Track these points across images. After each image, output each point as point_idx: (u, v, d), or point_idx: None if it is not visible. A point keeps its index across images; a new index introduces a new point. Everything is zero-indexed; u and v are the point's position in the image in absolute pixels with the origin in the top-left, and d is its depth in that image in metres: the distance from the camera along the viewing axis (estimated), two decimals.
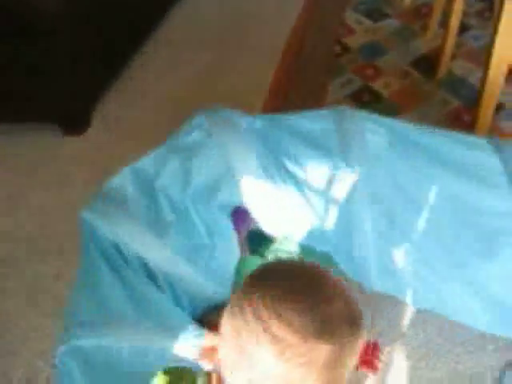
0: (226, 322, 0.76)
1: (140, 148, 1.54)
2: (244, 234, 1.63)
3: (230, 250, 1.54)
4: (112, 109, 2.52)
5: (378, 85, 2.51)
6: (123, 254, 1.42)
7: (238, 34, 2.87)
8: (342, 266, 1.61)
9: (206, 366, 0.80)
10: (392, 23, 2.86)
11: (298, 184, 1.52)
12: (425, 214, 1.51)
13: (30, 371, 1.68)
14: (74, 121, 2.38)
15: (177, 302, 1.45)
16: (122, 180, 1.50)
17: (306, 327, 0.70)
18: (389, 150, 1.52)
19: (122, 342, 1.28)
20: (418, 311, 1.75)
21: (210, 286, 1.48)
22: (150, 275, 1.44)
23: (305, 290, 0.73)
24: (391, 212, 1.52)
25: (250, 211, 1.58)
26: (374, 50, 2.69)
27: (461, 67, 2.56)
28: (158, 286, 1.43)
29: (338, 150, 1.51)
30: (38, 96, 2.28)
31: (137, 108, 2.53)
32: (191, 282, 1.47)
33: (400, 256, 1.54)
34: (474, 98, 2.26)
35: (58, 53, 2.17)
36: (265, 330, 0.69)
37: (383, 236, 1.54)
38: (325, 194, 1.53)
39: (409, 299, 1.64)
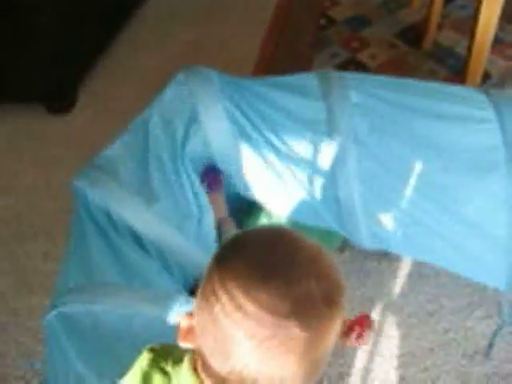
0: (200, 295, 0.72)
1: (128, 125, 1.54)
2: (221, 194, 1.65)
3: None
4: (99, 86, 2.50)
5: (364, 56, 2.50)
6: (114, 222, 1.43)
7: (225, 8, 2.85)
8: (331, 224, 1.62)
9: (186, 345, 0.76)
10: None
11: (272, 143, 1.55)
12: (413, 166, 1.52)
13: (20, 348, 1.69)
14: (60, 99, 2.36)
15: (167, 272, 1.46)
16: (114, 150, 1.51)
17: (276, 307, 0.65)
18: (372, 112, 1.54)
19: (108, 311, 1.29)
20: (409, 277, 1.77)
21: (200, 254, 1.48)
22: (140, 244, 1.45)
23: (277, 266, 0.69)
24: (380, 164, 1.54)
25: (220, 171, 1.60)
26: (359, 22, 2.68)
27: (447, 37, 2.56)
28: (148, 255, 1.45)
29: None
30: (21, 74, 2.25)
31: (124, 84, 2.51)
32: (181, 251, 1.48)
33: (390, 208, 1.56)
34: (460, 68, 2.27)
35: (40, 30, 2.14)
36: (236, 308, 0.66)
37: (371, 187, 1.55)
38: (301, 157, 1.55)
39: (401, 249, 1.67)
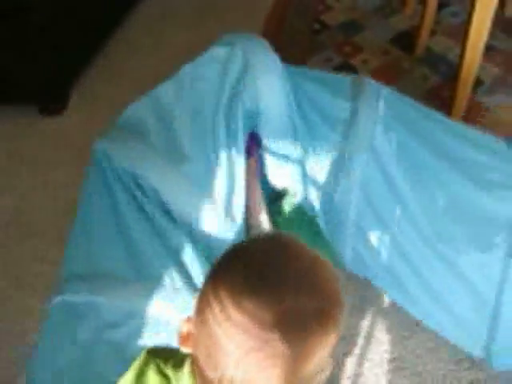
0: (197, 302, 0.72)
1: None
2: (256, 159, 1.56)
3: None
4: (92, 87, 2.48)
5: (357, 62, 2.51)
6: (140, 186, 1.37)
7: (219, 10, 2.84)
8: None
9: (187, 350, 0.76)
10: (371, 0, 2.86)
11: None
12: (410, 206, 1.47)
13: (14, 350, 1.67)
14: (52, 100, 2.35)
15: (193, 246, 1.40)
16: (139, 109, 1.45)
17: (263, 319, 0.64)
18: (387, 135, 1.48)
19: (109, 300, 1.29)
20: None
21: (227, 226, 1.43)
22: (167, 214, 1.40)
23: (269, 278, 0.68)
24: (375, 198, 1.52)
25: (261, 141, 1.53)
26: (352, 27, 2.69)
27: (440, 44, 2.57)
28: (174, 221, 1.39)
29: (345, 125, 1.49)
30: (14, 75, 2.24)
31: (118, 85, 2.49)
32: (208, 221, 1.41)
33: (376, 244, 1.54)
34: (452, 75, 2.27)
35: (31, 29, 2.13)
36: (226, 318, 0.66)
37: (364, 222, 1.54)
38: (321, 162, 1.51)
39: (383, 284, 1.66)
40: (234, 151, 1.44)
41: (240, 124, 1.44)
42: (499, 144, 1.58)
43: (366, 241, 1.54)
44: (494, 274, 1.46)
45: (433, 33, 2.56)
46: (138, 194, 1.38)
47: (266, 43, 1.52)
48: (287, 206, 1.62)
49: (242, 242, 0.79)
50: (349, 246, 1.58)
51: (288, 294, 0.67)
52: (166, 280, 1.32)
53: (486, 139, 1.59)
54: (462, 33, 2.10)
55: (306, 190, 1.57)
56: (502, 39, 2.54)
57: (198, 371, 0.74)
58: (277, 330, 0.64)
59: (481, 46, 2.05)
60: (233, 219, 1.44)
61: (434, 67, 2.46)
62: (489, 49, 2.29)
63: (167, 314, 1.29)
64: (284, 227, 1.61)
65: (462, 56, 2.10)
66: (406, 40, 2.58)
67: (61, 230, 1.50)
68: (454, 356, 1.65)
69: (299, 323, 0.66)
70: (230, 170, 1.43)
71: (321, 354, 0.69)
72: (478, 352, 1.59)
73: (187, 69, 1.49)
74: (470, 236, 1.46)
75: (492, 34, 2.09)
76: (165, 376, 0.84)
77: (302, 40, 2.58)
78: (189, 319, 0.75)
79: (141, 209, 1.37)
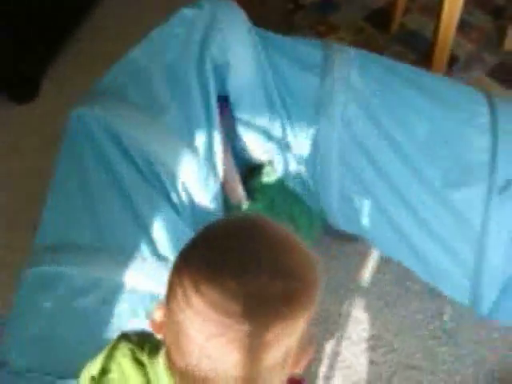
0: (167, 288, 0.70)
1: None
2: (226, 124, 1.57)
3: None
4: (63, 73, 2.44)
5: (332, 40, 2.48)
6: (122, 146, 1.37)
7: None
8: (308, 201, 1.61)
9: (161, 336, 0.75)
10: None
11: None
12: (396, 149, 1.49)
13: None
14: (23, 87, 2.31)
15: (177, 210, 1.40)
16: (114, 74, 1.50)
17: (223, 305, 0.62)
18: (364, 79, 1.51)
19: (75, 270, 1.29)
20: (376, 259, 1.78)
21: (212, 182, 1.45)
22: (153, 172, 1.40)
23: (232, 262, 0.65)
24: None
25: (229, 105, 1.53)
26: (327, 6, 2.66)
27: (414, 21, 2.55)
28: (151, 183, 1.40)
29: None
30: None
31: (89, 71, 2.42)
32: (192, 174, 1.42)
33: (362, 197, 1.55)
34: (428, 51, 2.26)
35: (0, 16, 2.10)
36: (188, 304, 0.64)
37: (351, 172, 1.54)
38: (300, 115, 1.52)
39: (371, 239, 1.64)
40: (208, 104, 1.46)
41: (211, 77, 1.46)
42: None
43: (354, 177, 1.53)
44: (477, 203, 1.46)
45: (407, 10, 2.54)
46: (113, 156, 1.37)
47: (233, 3, 1.54)
48: (265, 178, 1.62)
49: (209, 224, 0.73)
50: (336, 189, 1.57)
51: (253, 276, 0.64)
52: (133, 249, 1.32)
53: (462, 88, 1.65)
54: (436, 10, 2.09)
55: (285, 157, 1.58)
56: (477, 15, 2.53)
57: (169, 359, 0.72)
58: (238, 314, 0.62)
59: (454, 22, 2.04)
60: (214, 168, 1.46)
61: (409, 44, 2.44)
62: (464, 25, 2.28)
63: (134, 281, 1.29)
64: (262, 199, 1.62)
65: (435, 32, 2.09)
66: (380, 18, 2.56)
67: (27, 219, 1.48)
68: (432, 332, 1.66)
69: (263, 307, 0.63)
70: (207, 122, 1.45)
71: (291, 338, 0.66)
72: (465, 299, 1.55)
73: (157, 31, 1.54)
74: (453, 166, 1.48)
75: (467, 10, 2.08)
76: (140, 363, 0.81)
77: (277, 20, 2.55)
78: (160, 306, 0.72)
79: (111, 174, 1.36)
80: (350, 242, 1.81)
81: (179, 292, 0.65)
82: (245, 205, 1.60)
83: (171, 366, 0.72)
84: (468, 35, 2.45)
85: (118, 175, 1.36)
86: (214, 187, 1.46)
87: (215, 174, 1.46)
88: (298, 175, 1.60)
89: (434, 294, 1.71)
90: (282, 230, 0.71)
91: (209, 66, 1.45)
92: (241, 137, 1.56)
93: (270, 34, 1.60)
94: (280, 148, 1.56)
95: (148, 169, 1.39)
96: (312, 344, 0.73)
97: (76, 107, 1.41)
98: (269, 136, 1.55)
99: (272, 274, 0.65)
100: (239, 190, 1.59)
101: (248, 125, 1.55)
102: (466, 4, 2.01)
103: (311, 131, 1.52)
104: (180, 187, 1.41)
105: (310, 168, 1.56)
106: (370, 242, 1.67)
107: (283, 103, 1.53)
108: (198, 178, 1.42)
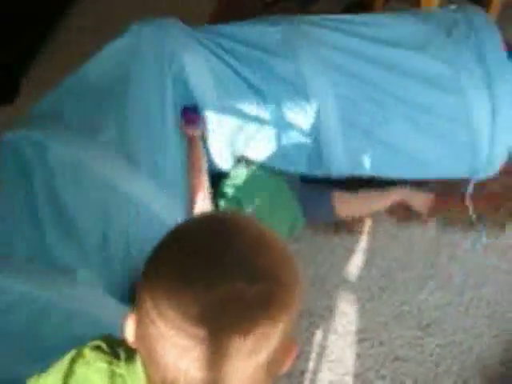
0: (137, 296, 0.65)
1: None
2: (199, 136, 1.62)
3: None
4: (43, 73, 2.41)
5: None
6: (51, 169, 1.39)
7: None
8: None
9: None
10: None
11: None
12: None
13: None
14: (2, 88, 2.28)
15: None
16: (52, 99, 1.56)
17: (198, 315, 0.58)
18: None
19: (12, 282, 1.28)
20: (361, 252, 1.77)
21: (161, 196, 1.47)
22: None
23: (202, 266, 0.60)
24: None
25: (200, 114, 1.59)
26: None
27: (394, 10, 2.53)
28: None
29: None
30: None
31: (69, 71, 2.41)
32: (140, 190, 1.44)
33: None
34: None
35: None
36: (159, 315, 0.59)
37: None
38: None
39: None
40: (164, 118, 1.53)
41: (169, 89, 1.54)
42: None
43: (353, 142, 1.67)
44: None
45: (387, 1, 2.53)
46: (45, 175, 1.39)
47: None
48: (239, 178, 1.64)
49: (179, 225, 0.67)
50: (339, 149, 1.67)
51: (222, 282, 0.59)
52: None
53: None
54: None
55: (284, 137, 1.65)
56: None
57: (144, 371, 0.67)
58: (208, 324, 0.58)
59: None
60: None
61: None
62: None
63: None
64: (244, 196, 1.64)
65: None
66: (359, 9, 2.54)
67: None
68: (419, 323, 1.66)
69: (236, 314, 0.59)
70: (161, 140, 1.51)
71: (269, 344, 0.61)
72: (464, 170, 1.75)
73: (108, 47, 1.65)
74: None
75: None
76: (120, 377, 0.75)
77: (255, 12, 2.53)
78: (131, 316, 0.66)
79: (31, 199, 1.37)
80: (337, 234, 1.81)
81: (148, 301, 0.61)
82: None
83: (148, 379, 0.67)
84: None
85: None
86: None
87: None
88: (297, 150, 1.67)
89: (420, 284, 1.71)
90: (258, 227, 0.66)
91: (167, 80, 1.54)
92: (219, 137, 1.60)
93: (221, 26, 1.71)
94: (275, 126, 1.64)
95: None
96: (296, 343, 0.69)
97: (7, 133, 1.45)
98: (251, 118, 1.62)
99: (245, 277, 0.60)
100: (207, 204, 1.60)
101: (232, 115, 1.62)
102: None
103: (291, 98, 1.62)
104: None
105: (311, 132, 1.65)
106: (375, 171, 1.74)
107: (257, 86, 1.61)
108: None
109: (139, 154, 1.46)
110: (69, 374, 0.75)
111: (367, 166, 1.70)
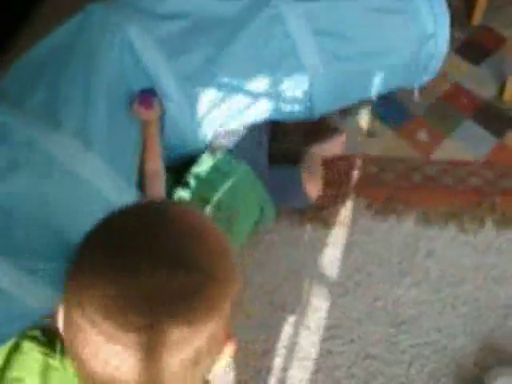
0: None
1: None
2: (156, 118, 1.55)
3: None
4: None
5: None
6: None
7: None
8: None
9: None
10: None
11: None
12: None
13: None
14: None
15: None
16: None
17: (123, 309, 0.55)
18: None
19: None
20: (336, 245, 1.73)
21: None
22: None
23: (130, 255, 0.57)
24: None
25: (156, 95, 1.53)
26: None
27: None
28: None
29: None
30: None
31: None
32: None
33: None
34: None
35: None
36: (78, 303, 0.56)
37: None
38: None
39: None
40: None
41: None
42: None
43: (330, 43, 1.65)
44: None
45: None
46: None
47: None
48: (204, 165, 1.58)
49: (107, 217, 0.63)
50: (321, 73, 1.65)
51: (147, 273, 0.56)
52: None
53: None
54: None
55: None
56: None
57: (75, 367, 0.63)
58: (133, 317, 0.55)
59: None
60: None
61: None
62: None
63: None
64: (208, 184, 1.58)
65: None
66: None
67: None
68: (393, 320, 1.61)
69: (161, 306, 0.56)
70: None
71: (197, 339, 0.58)
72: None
73: (58, 29, 1.55)
74: None
75: None
76: (55, 369, 0.72)
77: None
78: (61, 307, 0.63)
79: None
80: (312, 227, 1.76)
81: (74, 293, 0.58)
82: None
83: (78, 376, 0.64)
84: None
85: None
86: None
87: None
88: (292, 111, 1.68)
89: (396, 280, 1.67)
90: (195, 218, 0.63)
91: (114, 50, 1.49)
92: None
93: None
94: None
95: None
96: (233, 336, 0.65)
97: None
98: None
99: (169, 268, 0.57)
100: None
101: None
102: None
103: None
104: None
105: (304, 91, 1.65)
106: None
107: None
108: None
109: (70, 119, 1.40)
110: (6, 365, 0.73)
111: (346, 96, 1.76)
